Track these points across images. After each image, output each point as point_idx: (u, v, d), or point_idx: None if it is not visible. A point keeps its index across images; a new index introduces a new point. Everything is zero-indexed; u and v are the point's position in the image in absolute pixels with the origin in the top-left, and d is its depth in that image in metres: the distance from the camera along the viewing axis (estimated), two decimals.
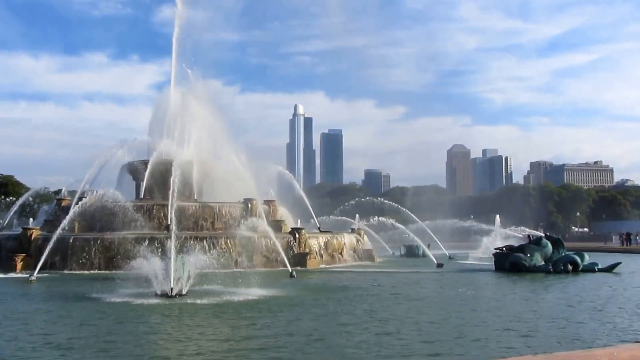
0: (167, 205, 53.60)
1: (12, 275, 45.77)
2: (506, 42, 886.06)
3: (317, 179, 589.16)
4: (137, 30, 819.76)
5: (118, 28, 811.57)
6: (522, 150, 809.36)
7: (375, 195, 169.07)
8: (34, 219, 62.24)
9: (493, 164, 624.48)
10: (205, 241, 49.71)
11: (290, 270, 44.17)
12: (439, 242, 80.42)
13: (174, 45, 73.41)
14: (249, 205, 59.99)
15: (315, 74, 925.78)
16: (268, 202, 64.44)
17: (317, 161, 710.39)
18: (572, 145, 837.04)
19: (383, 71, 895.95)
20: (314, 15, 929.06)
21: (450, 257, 70.15)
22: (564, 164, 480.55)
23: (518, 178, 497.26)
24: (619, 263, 51.95)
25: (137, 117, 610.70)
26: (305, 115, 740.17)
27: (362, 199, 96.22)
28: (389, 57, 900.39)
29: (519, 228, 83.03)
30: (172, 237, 31.47)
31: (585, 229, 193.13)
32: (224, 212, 59.39)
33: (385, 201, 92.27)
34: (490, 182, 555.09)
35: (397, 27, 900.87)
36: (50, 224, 56.36)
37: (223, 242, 50.85)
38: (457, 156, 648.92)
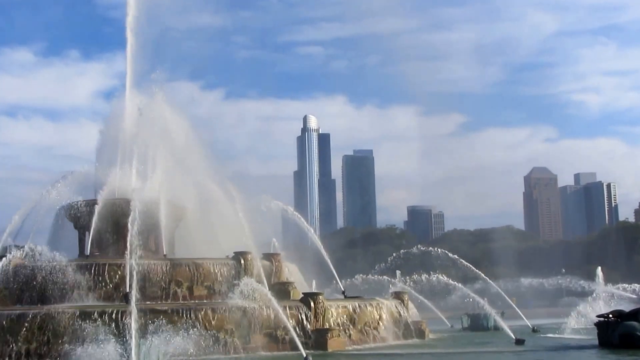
0: (123, 265, 52.97)
1: None
2: (601, 22, 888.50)
3: (340, 222, 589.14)
4: (77, 15, 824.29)
5: (49, 13, 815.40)
6: (631, 173, 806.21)
7: (424, 243, 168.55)
8: None
9: (590, 194, 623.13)
10: (180, 315, 48.92)
11: (305, 355, 43.76)
12: (517, 309, 79.79)
13: (129, 35, 73.55)
14: (242, 261, 59.35)
15: (331, 71, 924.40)
16: (270, 257, 64.25)
17: (339, 195, 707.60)
18: None
19: (429, 66, 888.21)
20: None
21: (534, 330, 69.66)
22: None
23: (626, 213, 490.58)
24: None
25: (78, 139, 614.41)
26: (321, 131, 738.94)
27: (405, 250, 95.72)
28: (436, 45, 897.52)
29: (630, 286, 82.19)
30: (133, 311, 31.17)
31: None
32: (206, 272, 58.61)
33: (439, 250, 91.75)
34: (587, 221, 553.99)
35: (447, 3, 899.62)
36: None
37: (206, 316, 50.16)
38: (538, 184, 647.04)
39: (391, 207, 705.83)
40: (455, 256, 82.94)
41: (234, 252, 60.06)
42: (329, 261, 69.10)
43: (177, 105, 73.33)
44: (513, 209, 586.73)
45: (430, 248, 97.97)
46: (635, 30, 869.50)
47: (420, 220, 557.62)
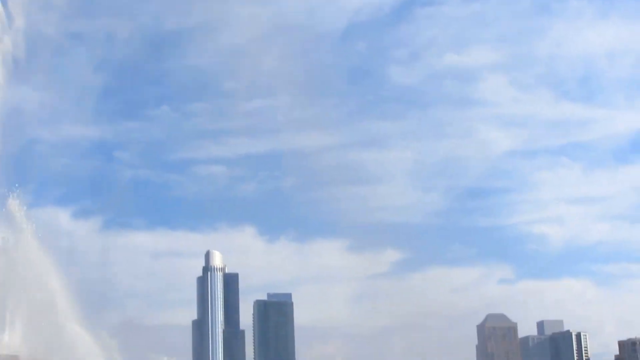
0: None
1: None
2: (563, 140, 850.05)
3: None
4: None
5: None
6: (604, 320, 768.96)
7: None
8: None
9: (558, 347, 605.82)
10: None
11: None
12: None
13: None
14: None
15: (237, 196, 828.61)
16: None
17: (249, 350, 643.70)
18: None
19: (358, 191, 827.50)
20: (229, 93, 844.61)
21: None
22: None
23: None
24: None
25: None
26: (227, 270, 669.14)
27: None
28: (367, 167, 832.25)
29: None
30: None
31: None
32: None
33: None
34: None
35: (380, 115, 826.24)
36: None
37: None
38: (494, 335, 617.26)
39: None
40: None
41: None
42: None
43: (43, 237, 63.01)
44: None
45: None
46: (601, 150, 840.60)
47: None
